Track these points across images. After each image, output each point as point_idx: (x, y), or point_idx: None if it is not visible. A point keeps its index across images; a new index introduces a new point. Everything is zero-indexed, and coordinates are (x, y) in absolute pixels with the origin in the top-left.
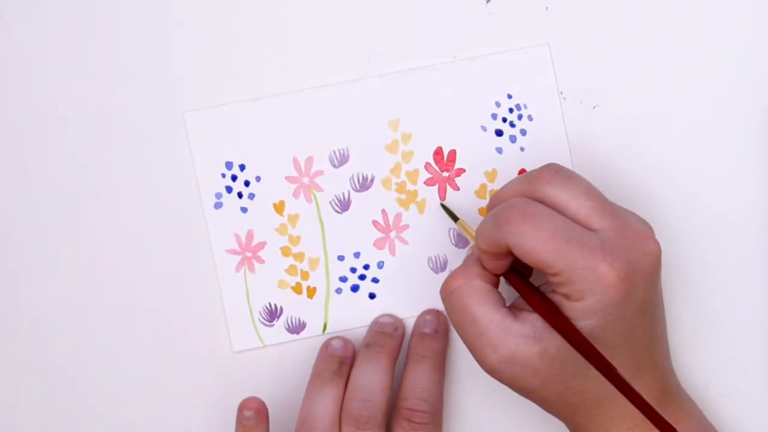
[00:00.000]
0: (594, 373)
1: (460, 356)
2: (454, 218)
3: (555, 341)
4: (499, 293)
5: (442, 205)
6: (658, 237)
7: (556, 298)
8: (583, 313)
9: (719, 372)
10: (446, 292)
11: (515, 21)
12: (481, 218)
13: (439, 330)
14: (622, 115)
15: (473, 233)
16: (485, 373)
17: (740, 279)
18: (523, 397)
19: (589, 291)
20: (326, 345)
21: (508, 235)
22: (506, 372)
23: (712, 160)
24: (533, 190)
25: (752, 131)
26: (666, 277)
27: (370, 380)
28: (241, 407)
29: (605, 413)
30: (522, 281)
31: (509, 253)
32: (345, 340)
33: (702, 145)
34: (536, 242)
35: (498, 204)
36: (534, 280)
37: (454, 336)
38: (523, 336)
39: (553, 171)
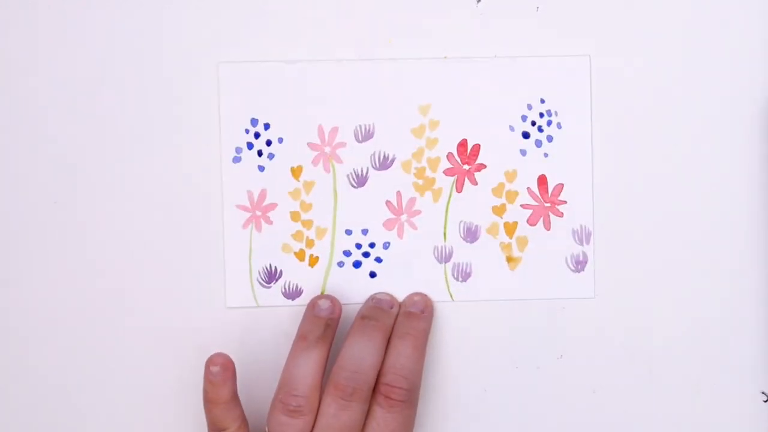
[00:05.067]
0: None
1: (441, 339)
2: None
3: None
4: None
5: None
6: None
7: None
8: None
9: (713, 377)
10: None
11: (507, 21)
12: (494, 217)
13: (425, 311)
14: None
15: None
16: (463, 358)
17: (736, 281)
18: None
19: None
20: (313, 305)
21: None
22: None
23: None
24: None
25: (746, 128)
26: (661, 277)
27: (363, 353)
28: (208, 363)
29: None
30: None
31: None
32: (332, 300)
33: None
34: None
35: None
36: None
37: (435, 327)
38: None
39: None
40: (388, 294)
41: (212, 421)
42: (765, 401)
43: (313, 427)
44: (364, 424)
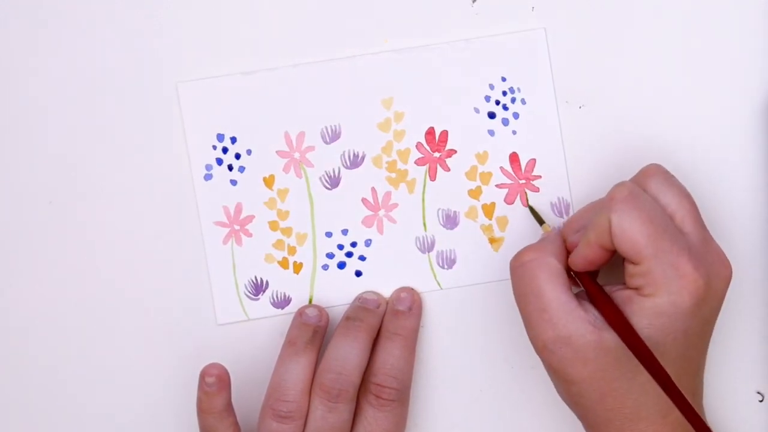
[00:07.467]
0: (642, 379)
1: (432, 336)
2: (540, 221)
3: (614, 335)
4: (567, 277)
5: (531, 208)
6: None
7: (626, 293)
8: (651, 312)
9: (709, 376)
10: (518, 263)
11: (502, 20)
12: (471, 200)
13: (413, 308)
14: (614, 106)
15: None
16: (457, 349)
17: (733, 280)
18: (562, 390)
19: (665, 288)
20: (300, 313)
21: (612, 213)
22: (558, 352)
23: (706, 155)
24: (637, 180)
25: (744, 126)
26: None
27: (347, 354)
28: (203, 374)
29: (639, 430)
30: (588, 276)
31: (611, 246)
32: (319, 309)
33: (696, 138)
34: (635, 223)
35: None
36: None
37: (426, 317)
38: (584, 321)
39: (660, 168)
40: (374, 293)
41: (205, 429)
42: (760, 401)
43: (303, 430)
44: (357, 424)
